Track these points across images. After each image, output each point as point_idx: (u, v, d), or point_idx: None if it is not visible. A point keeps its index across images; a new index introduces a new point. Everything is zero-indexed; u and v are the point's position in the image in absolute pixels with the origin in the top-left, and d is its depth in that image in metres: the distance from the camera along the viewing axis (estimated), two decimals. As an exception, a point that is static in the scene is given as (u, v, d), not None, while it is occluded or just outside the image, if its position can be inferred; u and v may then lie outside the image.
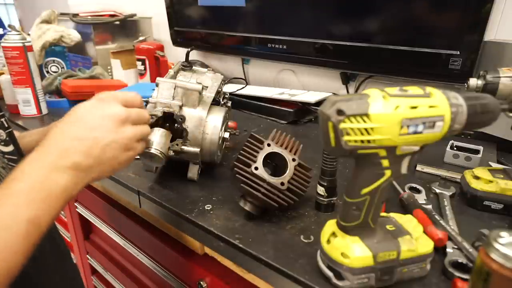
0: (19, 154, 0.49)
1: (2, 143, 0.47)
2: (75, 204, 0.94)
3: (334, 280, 0.41)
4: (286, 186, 0.52)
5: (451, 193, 0.60)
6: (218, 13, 1.20)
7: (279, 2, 1.03)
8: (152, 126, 0.60)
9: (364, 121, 0.33)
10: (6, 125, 0.48)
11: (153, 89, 0.62)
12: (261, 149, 0.55)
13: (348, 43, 0.93)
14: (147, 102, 0.60)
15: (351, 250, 0.39)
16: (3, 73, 1.11)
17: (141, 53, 1.22)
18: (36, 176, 0.36)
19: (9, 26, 1.03)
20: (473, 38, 0.74)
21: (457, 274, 0.42)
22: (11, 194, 0.34)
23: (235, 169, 0.53)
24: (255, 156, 0.53)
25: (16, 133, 0.51)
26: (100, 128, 0.40)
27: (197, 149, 0.61)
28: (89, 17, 1.38)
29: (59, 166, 0.37)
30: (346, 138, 0.34)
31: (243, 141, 0.56)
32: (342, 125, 0.33)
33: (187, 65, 0.73)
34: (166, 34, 1.41)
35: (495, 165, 0.67)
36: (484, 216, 0.56)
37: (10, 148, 0.48)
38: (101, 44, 1.34)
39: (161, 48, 1.25)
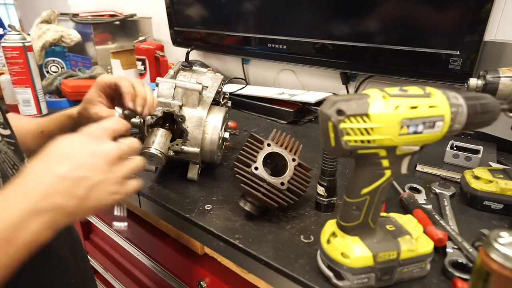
0: (15, 137, 0.49)
1: (2, 126, 0.47)
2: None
3: (334, 280, 0.41)
4: (286, 186, 0.52)
5: (451, 193, 0.60)
6: (218, 13, 1.20)
7: (279, 2, 1.03)
8: (152, 126, 0.60)
9: (364, 121, 0.33)
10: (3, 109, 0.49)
11: (153, 89, 0.62)
12: (261, 149, 0.55)
13: (348, 43, 0.93)
14: None
15: (351, 250, 0.39)
16: (3, 73, 1.11)
17: (141, 53, 1.23)
18: (6, 220, 0.31)
19: (9, 26, 1.03)
20: (473, 38, 0.74)
21: (457, 274, 0.42)
22: None
23: (235, 169, 0.53)
24: (255, 156, 0.53)
25: None
26: (89, 166, 0.36)
27: (197, 149, 0.61)
28: (89, 17, 1.38)
29: (38, 209, 0.32)
30: (346, 138, 0.34)
31: (243, 141, 0.56)
32: (342, 125, 0.33)
33: (187, 65, 0.73)
34: (166, 34, 1.41)
35: (495, 165, 0.67)
36: (484, 216, 0.56)
37: (8, 131, 0.48)
38: (101, 44, 1.34)
39: (161, 48, 1.25)
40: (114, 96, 0.56)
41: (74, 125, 0.60)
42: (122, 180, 0.39)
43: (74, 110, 0.59)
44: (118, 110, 0.51)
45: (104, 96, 0.55)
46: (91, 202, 0.36)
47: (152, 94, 0.55)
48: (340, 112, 0.33)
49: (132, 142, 0.41)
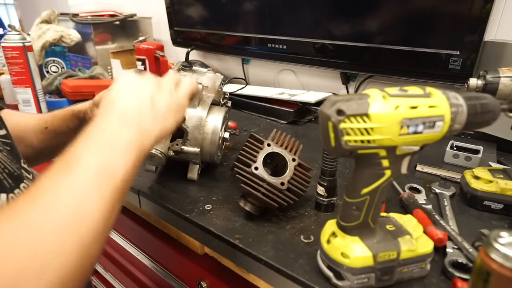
0: (11, 137, 0.49)
1: None
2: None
3: (334, 280, 0.41)
4: (286, 186, 0.52)
5: (451, 193, 0.60)
6: (218, 13, 1.20)
7: (279, 2, 1.03)
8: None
9: (364, 121, 0.33)
10: None
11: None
12: (261, 149, 0.55)
13: (348, 43, 0.93)
14: None
15: (351, 250, 0.39)
16: (3, 73, 1.11)
17: (141, 53, 1.22)
18: (103, 131, 0.36)
19: (9, 26, 1.03)
20: (473, 38, 0.74)
21: (457, 274, 0.42)
22: (77, 145, 0.33)
23: (235, 169, 0.53)
24: (255, 156, 0.53)
25: None
26: (141, 87, 0.42)
27: (197, 149, 0.61)
28: (89, 17, 1.38)
29: (124, 122, 0.37)
30: (346, 138, 0.34)
31: (243, 141, 0.56)
32: (342, 125, 0.33)
33: (187, 65, 0.73)
34: (166, 34, 1.41)
35: (495, 165, 0.68)
36: (484, 216, 0.56)
37: (4, 131, 0.48)
38: (101, 44, 1.34)
39: (161, 48, 1.25)
40: None
41: (80, 124, 0.60)
42: (171, 85, 0.45)
43: (80, 108, 0.60)
44: None
45: None
46: (160, 111, 0.41)
47: None
48: (340, 112, 0.33)
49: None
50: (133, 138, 0.36)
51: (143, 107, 0.40)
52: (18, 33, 0.92)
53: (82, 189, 0.30)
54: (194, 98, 0.54)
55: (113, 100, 0.40)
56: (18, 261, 0.25)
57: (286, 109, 0.99)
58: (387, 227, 0.43)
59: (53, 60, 1.23)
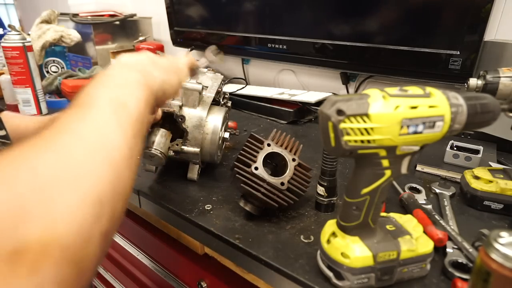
0: (10, 139, 0.49)
1: None
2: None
3: (334, 280, 0.41)
4: (286, 186, 0.52)
5: (451, 193, 0.60)
6: (218, 13, 1.20)
7: (279, 2, 1.03)
8: (152, 126, 0.60)
9: (364, 121, 0.33)
10: None
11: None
12: (261, 149, 0.55)
13: (348, 43, 0.93)
14: None
15: (351, 250, 0.39)
16: (3, 73, 1.11)
17: (141, 53, 1.22)
18: (110, 76, 0.38)
19: (9, 26, 1.03)
20: (473, 38, 0.74)
21: (457, 274, 0.42)
22: (88, 89, 0.35)
23: (235, 169, 0.53)
24: (255, 156, 0.53)
25: None
26: (139, 55, 0.45)
27: (197, 149, 0.61)
28: (89, 17, 1.38)
29: (128, 69, 0.40)
30: (346, 138, 0.34)
31: (243, 141, 0.56)
32: (342, 125, 0.33)
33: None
34: (166, 34, 1.41)
35: (495, 165, 0.67)
36: (484, 216, 0.56)
37: (3, 132, 0.48)
38: (101, 44, 1.34)
39: (161, 48, 1.25)
40: None
41: None
42: (169, 59, 0.48)
43: None
44: None
45: None
46: (160, 65, 0.44)
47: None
48: (340, 112, 0.33)
49: None
50: (139, 78, 0.39)
51: (144, 62, 0.43)
52: (18, 33, 0.92)
53: (100, 118, 0.31)
54: (194, 73, 0.56)
55: (114, 63, 0.42)
56: (52, 168, 0.25)
57: (286, 109, 0.99)
58: (387, 227, 0.43)
59: (53, 60, 1.23)
